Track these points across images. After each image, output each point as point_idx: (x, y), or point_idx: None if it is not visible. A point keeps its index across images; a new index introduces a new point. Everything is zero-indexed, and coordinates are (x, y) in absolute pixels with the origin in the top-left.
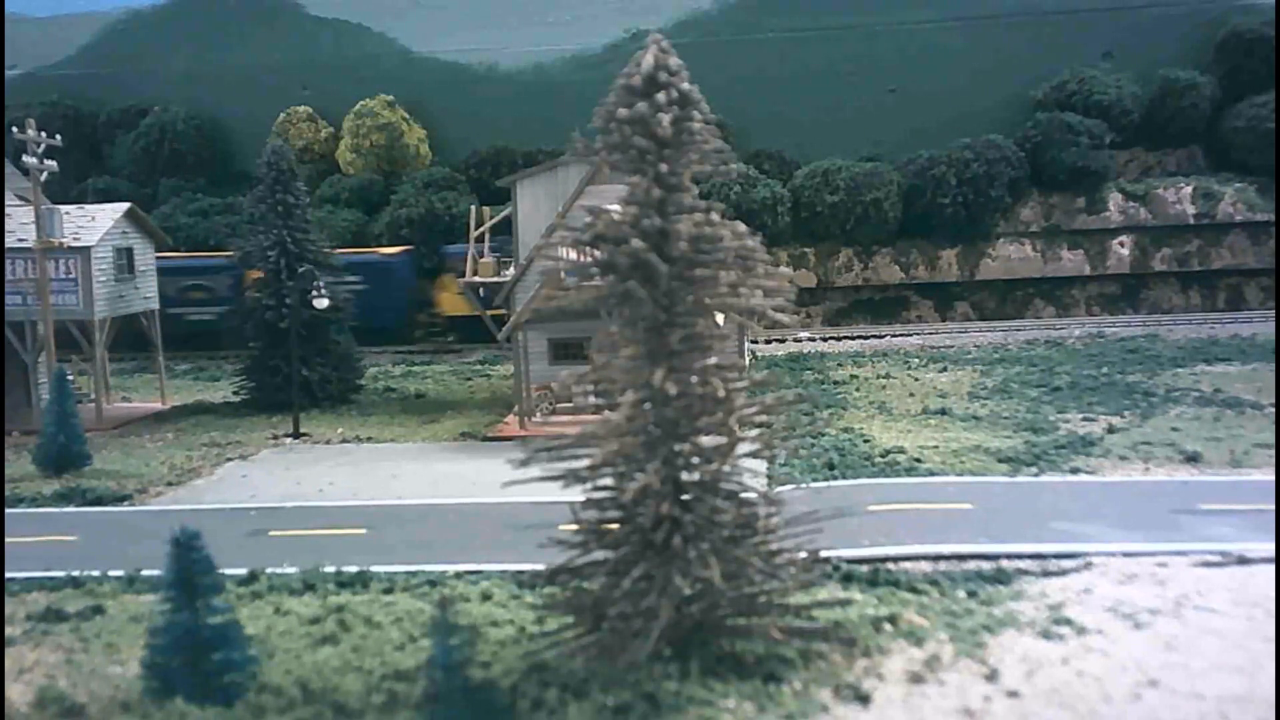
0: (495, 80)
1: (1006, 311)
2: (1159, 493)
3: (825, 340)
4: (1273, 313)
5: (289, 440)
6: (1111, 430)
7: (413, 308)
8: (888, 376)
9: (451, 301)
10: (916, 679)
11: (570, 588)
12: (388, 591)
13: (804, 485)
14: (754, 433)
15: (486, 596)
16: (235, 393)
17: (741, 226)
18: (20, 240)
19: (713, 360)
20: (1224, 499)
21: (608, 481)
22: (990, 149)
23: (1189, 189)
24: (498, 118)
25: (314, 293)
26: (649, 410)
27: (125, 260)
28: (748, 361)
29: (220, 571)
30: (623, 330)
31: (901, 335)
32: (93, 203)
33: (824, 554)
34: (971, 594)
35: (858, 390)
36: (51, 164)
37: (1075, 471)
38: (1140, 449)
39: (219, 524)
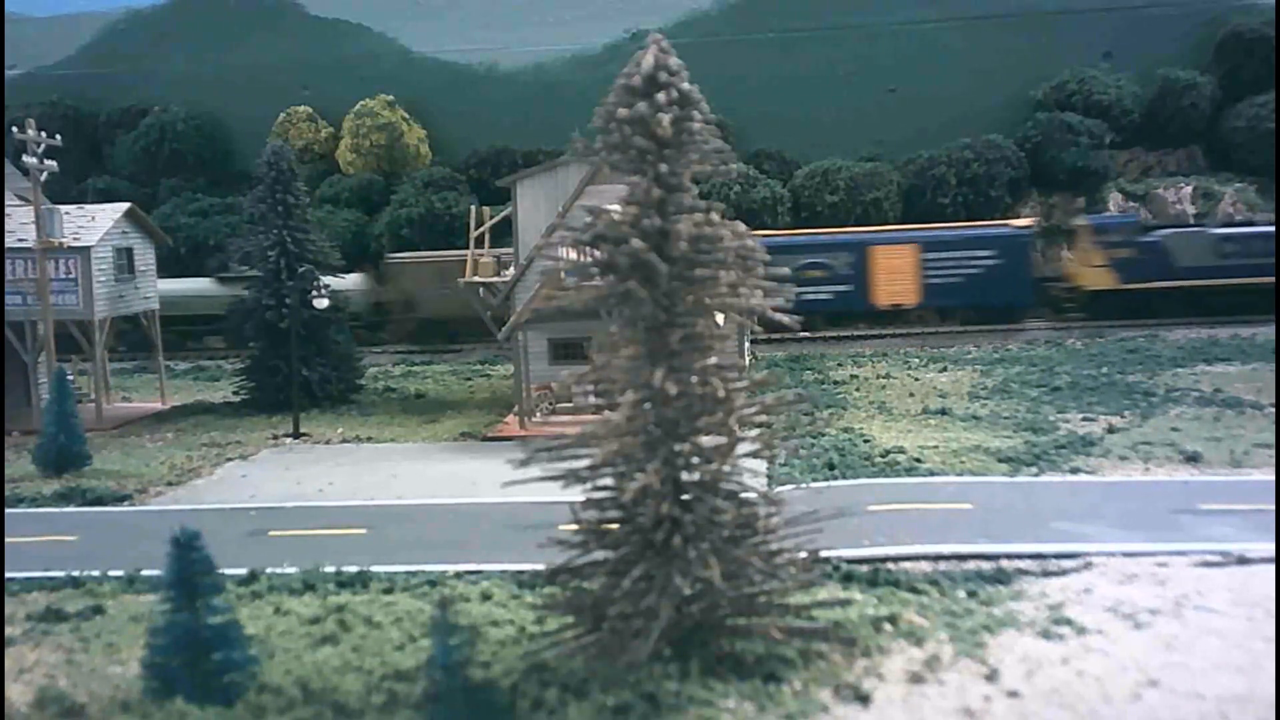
0: (495, 80)
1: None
2: (1159, 493)
3: (825, 340)
4: (1273, 313)
5: (289, 440)
6: (1111, 430)
7: (1040, 282)
8: (888, 376)
9: (1090, 274)
10: (916, 679)
11: (570, 588)
12: (388, 591)
13: (804, 485)
14: (754, 433)
15: (486, 596)
16: (235, 393)
17: (741, 226)
18: (20, 240)
19: (713, 360)
20: (1224, 499)
21: (608, 481)
22: (990, 149)
23: (1189, 189)
24: (498, 118)
25: (314, 293)
26: (649, 410)
27: (125, 260)
28: (748, 361)
29: (220, 571)
30: (623, 330)
31: (901, 335)
32: (93, 203)
33: (824, 554)
34: (971, 594)
35: (858, 390)
36: (51, 164)
37: (1075, 471)
38: (1140, 449)
39: (219, 524)
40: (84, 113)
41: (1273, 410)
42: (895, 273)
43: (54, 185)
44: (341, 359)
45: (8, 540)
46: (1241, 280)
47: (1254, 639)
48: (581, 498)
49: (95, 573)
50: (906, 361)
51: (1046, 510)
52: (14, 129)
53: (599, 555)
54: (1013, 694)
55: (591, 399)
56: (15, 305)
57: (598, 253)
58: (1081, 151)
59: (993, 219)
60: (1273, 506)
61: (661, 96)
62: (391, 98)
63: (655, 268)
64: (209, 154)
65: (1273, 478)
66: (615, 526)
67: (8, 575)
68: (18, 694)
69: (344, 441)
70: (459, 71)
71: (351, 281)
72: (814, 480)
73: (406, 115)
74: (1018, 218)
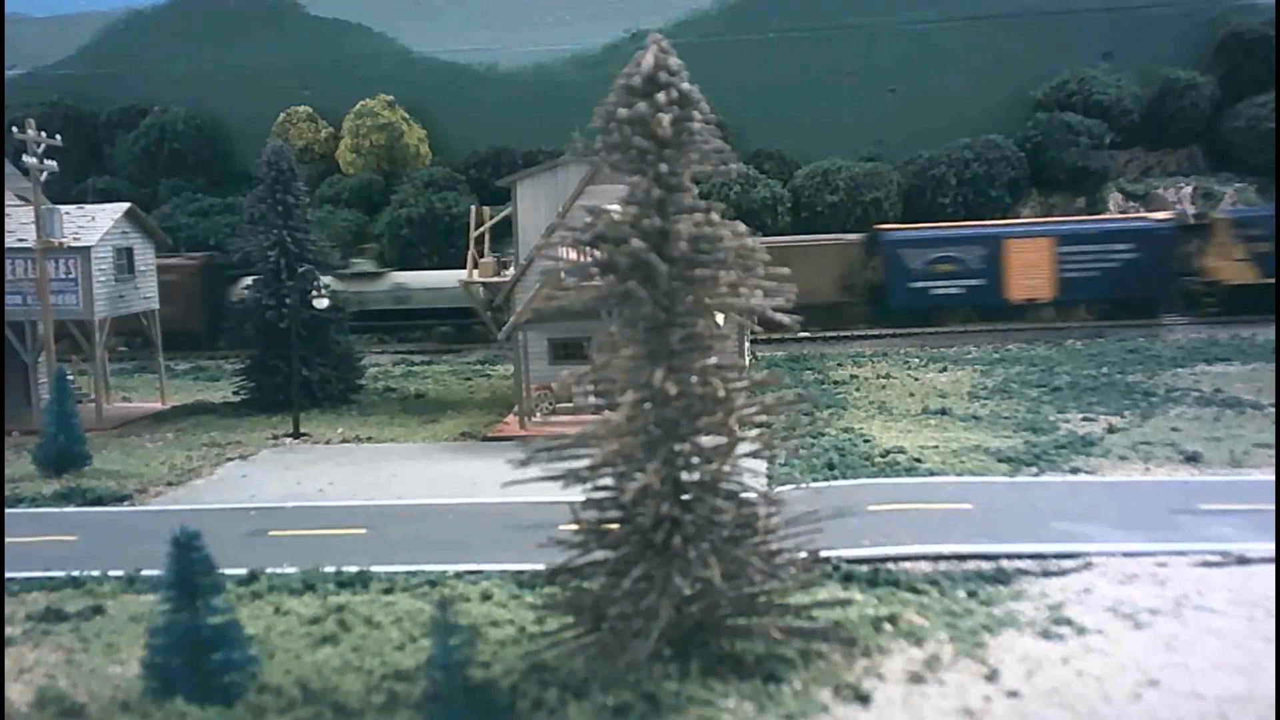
0: (495, 80)
1: (1007, 311)
2: (1159, 493)
3: (825, 340)
4: (1273, 313)
5: (289, 440)
6: (1111, 430)
7: (1178, 276)
8: (888, 376)
9: (1230, 268)
10: (916, 679)
11: (570, 588)
12: (388, 591)
13: (804, 485)
14: (754, 433)
15: (486, 596)
16: (235, 393)
17: (741, 226)
18: (20, 240)
19: (713, 360)
20: (1224, 499)
21: (608, 481)
22: (990, 149)
23: (1189, 189)
24: (498, 118)
25: (314, 293)
26: (649, 410)
27: (125, 260)
28: (748, 361)
29: (220, 571)
30: (623, 330)
31: (901, 335)
32: (93, 203)
33: (824, 554)
34: (971, 594)
35: (858, 390)
36: (51, 164)
37: (1075, 471)
38: (1140, 449)
39: (219, 524)
40: (84, 113)
41: (1273, 410)
42: (1030, 267)
43: (54, 185)
44: (341, 359)
45: (8, 540)
46: None
47: (1254, 639)
48: (581, 498)
49: (95, 573)
50: (906, 361)
51: (1046, 510)
52: (14, 129)
53: (599, 555)
54: (1013, 694)
55: (591, 399)
56: (15, 305)
57: (598, 253)
58: (1081, 151)
59: (990, 218)
60: (1273, 506)
61: (661, 96)
62: (391, 98)
63: (655, 268)
64: (209, 154)
65: (1273, 478)
66: (615, 526)
67: (8, 575)
68: (18, 694)
69: (344, 441)
70: (459, 71)
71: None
72: (814, 480)
73: (406, 115)
74: (1159, 211)
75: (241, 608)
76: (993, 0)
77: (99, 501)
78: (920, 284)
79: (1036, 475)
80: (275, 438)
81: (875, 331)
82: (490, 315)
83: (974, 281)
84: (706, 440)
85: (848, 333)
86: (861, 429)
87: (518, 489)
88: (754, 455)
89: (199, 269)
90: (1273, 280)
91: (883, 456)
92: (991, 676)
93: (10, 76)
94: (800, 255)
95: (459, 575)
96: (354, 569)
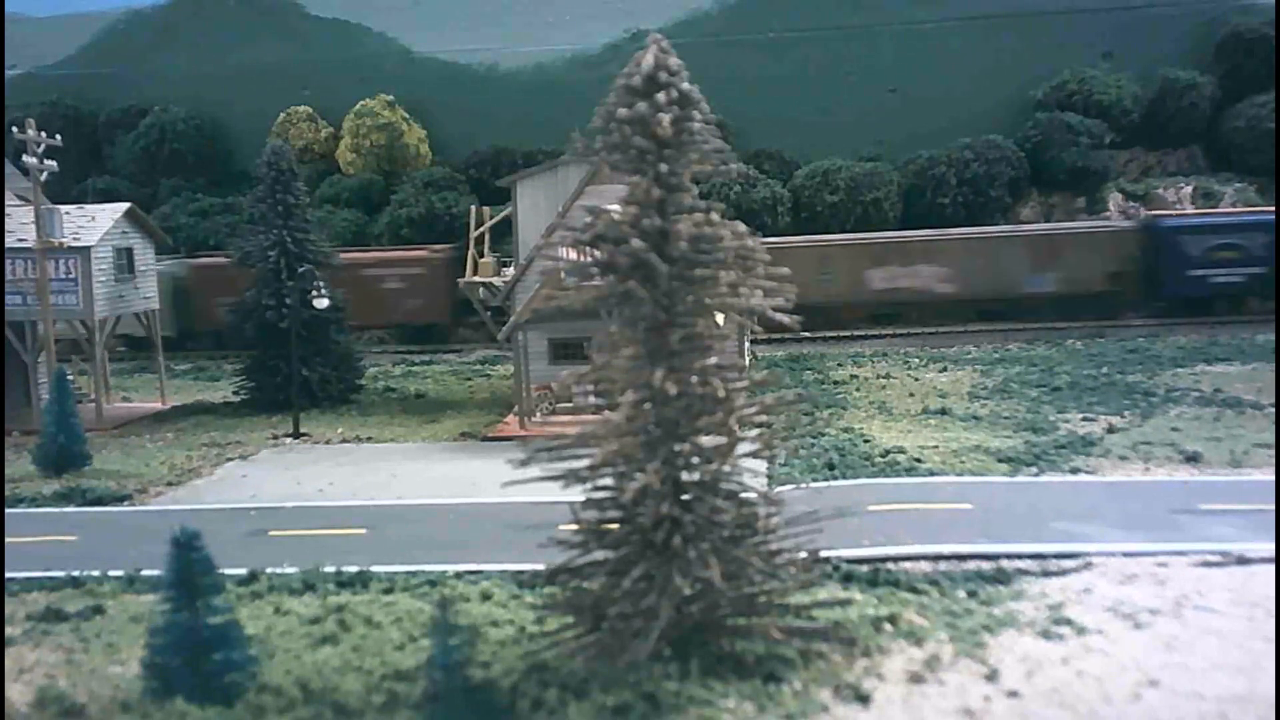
0: (495, 80)
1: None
2: (1159, 493)
3: (825, 340)
4: (1273, 313)
5: (289, 440)
6: (1111, 430)
7: None
8: (888, 376)
9: None
10: (916, 679)
11: (570, 588)
12: (388, 591)
13: (804, 485)
14: (754, 433)
15: (486, 596)
16: (235, 393)
17: (741, 226)
18: (20, 240)
19: (713, 360)
20: (1224, 499)
21: (608, 481)
22: (990, 149)
23: (1189, 189)
24: (498, 118)
25: (314, 293)
26: (649, 410)
27: (125, 260)
28: (748, 361)
29: (220, 571)
30: (623, 330)
31: (901, 335)
32: (93, 203)
33: (824, 554)
34: (971, 594)
35: (858, 390)
36: (51, 164)
37: (1075, 471)
38: (1140, 449)
39: (219, 524)
40: (84, 113)
41: (1273, 410)
42: None
43: (54, 185)
44: (341, 359)
45: (8, 540)
46: None
47: (1254, 639)
48: (581, 498)
49: (95, 573)
50: (906, 361)
51: (1046, 510)
52: (14, 129)
53: (599, 555)
54: (1013, 694)
55: (591, 399)
56: (15, 305)
57: (598, 253)
58: (1081, 151)
59: (991, 219)
60: (1273, 506)
61: (661, 96)
62: (391, 98)
63: (655, 268)
64: (209, 154)
65: (1273, 478)
66: (615, 526)
67: (8, 575)
68: (18, 694)
69: (344, 441)
70: (459, 71)
71: None
72: (814, 480)
73: (406, 115)
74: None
75: (241, 608)
76: (993, 0)
77: (99, 501)
78: (1199, 272)
79: (1036, 475)
80: (275, 438)
81: (875, 331)
82: (490, 315)
83: (1256, 269)
84: (706, 440)
85: (849, 333)
86: (861, 429)
87: (518, 489)
88: (754, 455)
89: (445, 261)
90: None
91: (883, 456)
92: (991, 676)
93: (10, 76)
94: (1066, 244)
95: (459, 575)
96: (354, 569)
